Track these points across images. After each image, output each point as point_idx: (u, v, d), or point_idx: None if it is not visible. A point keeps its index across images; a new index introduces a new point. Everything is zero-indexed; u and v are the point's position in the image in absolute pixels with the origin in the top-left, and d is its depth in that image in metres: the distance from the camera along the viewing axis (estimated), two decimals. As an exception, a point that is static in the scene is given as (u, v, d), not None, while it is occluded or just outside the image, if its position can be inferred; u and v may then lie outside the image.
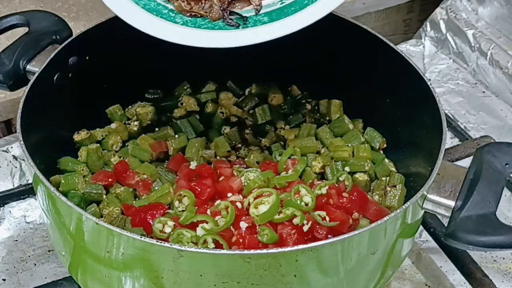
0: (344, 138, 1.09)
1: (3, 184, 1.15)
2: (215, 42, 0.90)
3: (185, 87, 1.17)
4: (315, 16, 0.88)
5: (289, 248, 0.77)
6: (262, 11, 0.91)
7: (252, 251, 0.75)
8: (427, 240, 1.08)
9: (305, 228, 0.89)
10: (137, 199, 1.01)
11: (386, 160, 1.06)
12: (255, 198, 0.93)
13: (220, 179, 1.01)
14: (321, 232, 0.90)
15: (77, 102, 1.06)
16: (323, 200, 0.95)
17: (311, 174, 1.03)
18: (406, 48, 1.47)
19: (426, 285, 1.03)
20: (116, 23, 1.06)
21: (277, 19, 0.89)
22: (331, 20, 1.06)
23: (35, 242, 1.08)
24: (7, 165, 1.18)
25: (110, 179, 1.02)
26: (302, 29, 0.88)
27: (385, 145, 1.09)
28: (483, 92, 1.39)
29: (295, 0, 0.91)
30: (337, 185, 0.99)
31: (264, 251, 0.76)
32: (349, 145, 1.08)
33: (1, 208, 1.11)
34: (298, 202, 0.92)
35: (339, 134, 1.10)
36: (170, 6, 0.93)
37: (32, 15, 1.06)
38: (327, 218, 0.91)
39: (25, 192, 1.12)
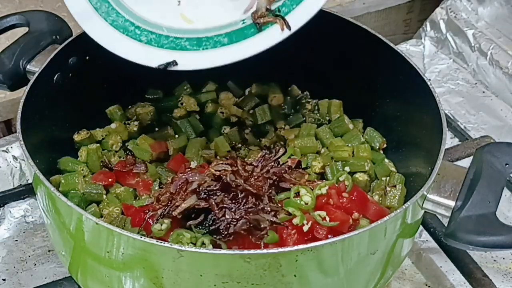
0: (344, 138, 1.09)
1: (3, 184, 1.15)
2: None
3: (185, 87, 1.17)
4: (275, 38, 0.88)
5: (289, 248, 0.77)
6: (222, 31, 0.91)
7: (252, 251, 0.75)
8: (427, 240, 1.08)
9: (305, 228, 0.89)
10: (137, 199, 1.01)
11: (386, 160, 1.06)
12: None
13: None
14: (321, 232, 0.89)
15: (77, 102, 1.05)
16: (323, 200, 0.94)
17: (311, 174, 1.03)
18: (406, 48, 1.47)
19: (426, 285, 1.03)
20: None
21: (236, 41, 0.88)
22: (331, 20, 1.07)
23: (35, 242, 1.08)
24: (7, 165, 1.18)
25: (110, 179, 1.02)
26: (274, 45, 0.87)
27: (385, 145, 1.09)
28: (483, 92, 1.39)
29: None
30: (337, 185, 0.99)
31: (264, 251, 0.76)
32: (349, 145, 1.08)
33: (1, 208, 1.11)
34: (298, 201, 0.92)
35: (339, 134, 1.10)
36: (137, 23, 0.93)
37: (32, 15, 1.06)
38: (327, 218, 0.91)
39: (25, 192, 1.12)
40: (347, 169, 1.04)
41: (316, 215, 0.91)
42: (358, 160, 1.05)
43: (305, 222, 0.90)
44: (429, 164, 0.87)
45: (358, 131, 1.10)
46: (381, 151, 1.08)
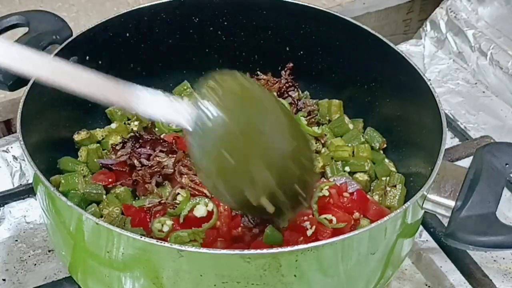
0: (344, 138, 1.09)
1: (3, 184, 1.15)
2: None
3: (185, 87, 1.17)
4: None
5: (289, 248, 0.77)
6: None
7: (252, 251, 0.75)
8: (427, 240, 1.08)
9: (309, 232, 0.89)
10: (137, 199, 1.01)
11: (386, 160, 1.06)
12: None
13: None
14: (324, 236, 0.90)
15: (77, 102, 1.05)
16: (325, 201, 0.94)
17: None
18: (406, 48, 1.47)
19: (426, 285, 1.03)
20: (116, 23, 1.07)
21: None
22: (331, 20, 1.07)
23: (35, 242, 1.08)
24: (7, 165, 1.18)
25: (110, 179, 1.02)
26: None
27: (385, 145, 1.09)
28: (483, 92, 1.39)
29: None
30: (337, 185, 0.99)
31: (264, 251, 0.76)
32: (349, 145, 1.08)
33: (1, 208, 1.11)
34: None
35: (339, 134, 1.10)
36: None
37: (32, 15, 1.06)
38: (334, 220, 0.91)
39: (25, 192, 1.11)
40: (347, 169, 1.04)
41: (322, 219, 0.91)
42: (358, 160, 1.05)
43: (309, 226, 0.90)
44: (429, 164, 0.87)
45: (358, 131, 1.10)
46: (381, 151, 1.08)
